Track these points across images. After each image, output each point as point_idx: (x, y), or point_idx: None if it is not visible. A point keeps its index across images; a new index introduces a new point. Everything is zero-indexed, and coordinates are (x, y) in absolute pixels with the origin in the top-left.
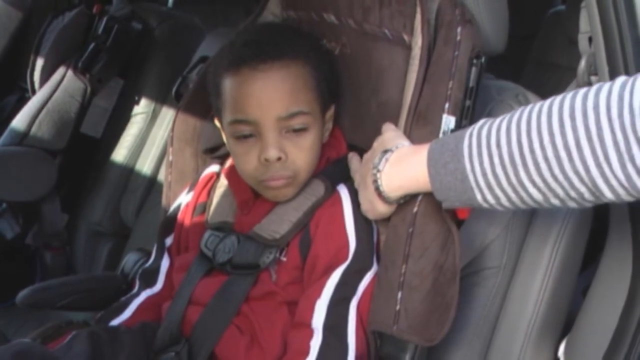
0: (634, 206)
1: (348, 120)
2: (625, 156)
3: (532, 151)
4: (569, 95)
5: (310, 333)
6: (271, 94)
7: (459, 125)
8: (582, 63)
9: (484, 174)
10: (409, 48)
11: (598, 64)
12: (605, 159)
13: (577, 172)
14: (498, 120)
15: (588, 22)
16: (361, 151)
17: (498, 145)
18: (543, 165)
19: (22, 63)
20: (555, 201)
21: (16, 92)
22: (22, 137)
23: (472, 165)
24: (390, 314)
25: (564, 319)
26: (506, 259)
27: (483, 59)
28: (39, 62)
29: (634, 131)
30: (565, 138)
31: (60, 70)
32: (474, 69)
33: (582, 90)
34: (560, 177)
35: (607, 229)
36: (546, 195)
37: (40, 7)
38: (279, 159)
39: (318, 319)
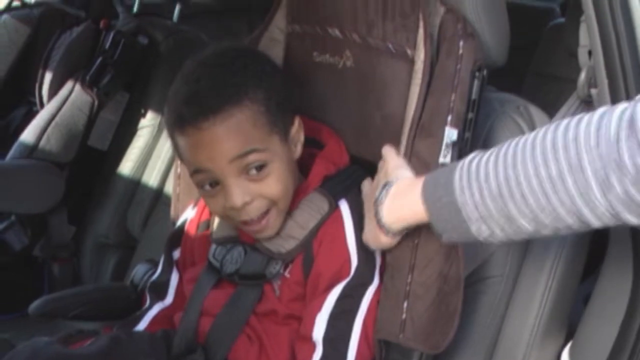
0: None
1: (352, 133)
2: (605, 185)
3: (518, 183)
4: (551, 128)
5: (312, 346)
6: (219, 145)
7: (462, 138)
8: (582, 76)
9: (476, 206)
10: (412, 62)
11: (597, 76)
12: (588, 188)
13: (563, 203)
14: (487, 153)
15: (587, 36)
16: (366, 162)
17: (487, 178)
18: (530, 198)
19: (29, 77)
20: (546, 232)
21: (24, 106)
22: (31, 150)
23: (464, 198)
24: (396, 323)
25: (566, 327)
26: (509, 268)
27: (485, 72)
28: (47, 76)
29: (610, 160)
30: (548, 169)
31: (68, 85)
32: (476, 82)
33: (564, 122)
34: (547, 208)
35: (608, 238)
36: (537, 227)
37: (47, 22)
38: (246, 203)
39: (318, 332)
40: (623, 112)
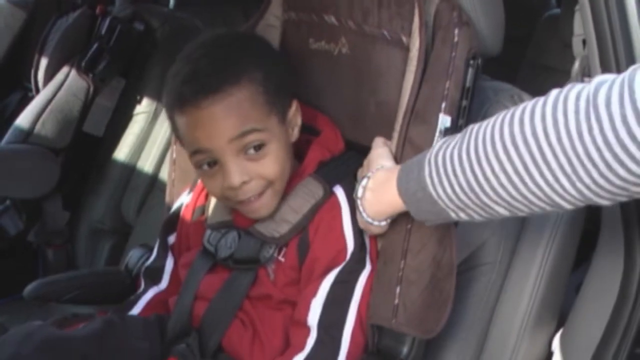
0: (625, 206)
1: (348, 119)
2: (573, 177)
3: (487, 179)
4: (507, 120)
5: (306, 331)
6: (218, 124)
7: (455, 125)
8: (576, 65)
9: (451, 200)
10: (407, 49)
11: (591, 66)
12: (556, 180)
13: (533, 193)
14: (451, 145)
15: (581, 25)
16: (362, 148)
17: (455, 175)
18: (500, 190)
19: (25, 62)
20: (522, 214)
21: (19, 91)
22: (26, 135)
23: (437, 192)
24: (389, 308)
25: (558, 314)
26: (501, 256)
27: (479, 60)
28: (43, 62)
29: (576, 154)
30: (513, 165)
31: (64, 70)
32: (470, 70)
33: (517, 114)
34: (519, 198)
35: (599, 227)
36: (512, 212)
37: (44, 7)
38: (244, 182)
39: (313, 317)
40: (577, 102)
